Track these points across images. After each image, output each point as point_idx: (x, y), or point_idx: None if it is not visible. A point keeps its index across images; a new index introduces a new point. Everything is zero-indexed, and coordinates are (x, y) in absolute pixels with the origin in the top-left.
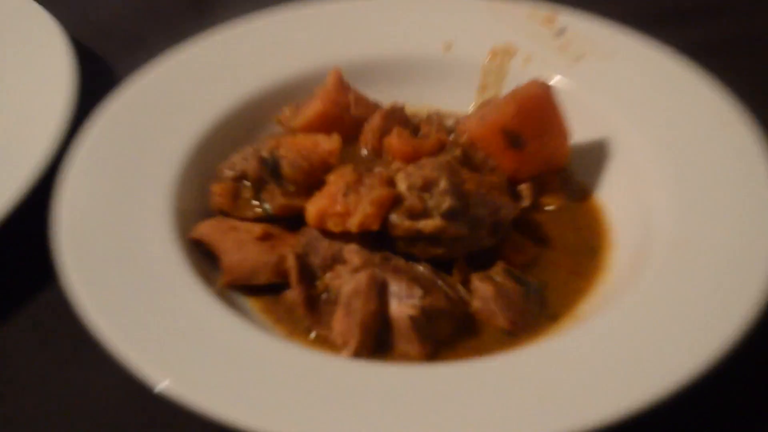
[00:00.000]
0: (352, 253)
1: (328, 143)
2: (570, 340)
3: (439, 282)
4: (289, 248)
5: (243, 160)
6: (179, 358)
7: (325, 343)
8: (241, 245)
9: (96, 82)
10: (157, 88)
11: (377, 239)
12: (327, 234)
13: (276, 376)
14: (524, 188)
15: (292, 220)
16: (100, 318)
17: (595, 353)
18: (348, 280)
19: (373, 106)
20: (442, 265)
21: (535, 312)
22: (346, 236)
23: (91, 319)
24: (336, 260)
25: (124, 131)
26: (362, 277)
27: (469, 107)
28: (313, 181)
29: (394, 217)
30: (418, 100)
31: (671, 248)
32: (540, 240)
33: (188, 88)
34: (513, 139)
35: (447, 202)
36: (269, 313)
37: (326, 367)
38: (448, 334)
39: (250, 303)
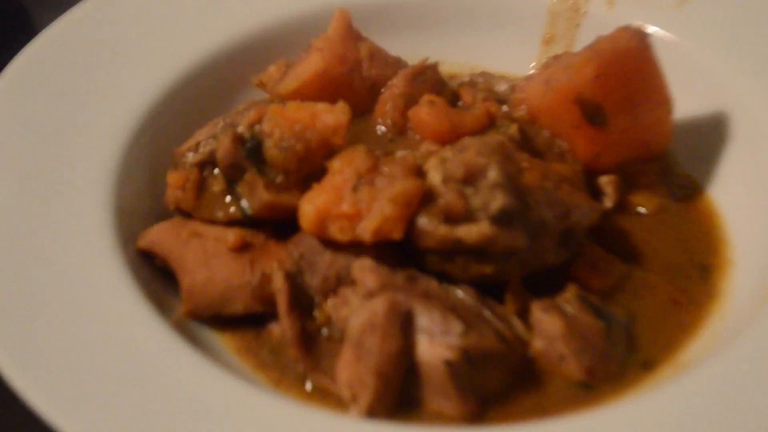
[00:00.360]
0: (365, 271)
1: (331, 116)
2: (669, 397)
3: (487, 313)
4: (275, 264)
5: (211, 140)
6: (119, 425)
7: (326, 396)
8: (209, 259)
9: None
10: (86, 37)
11: (400, 252)
12: (329, 244)
13: None
14: (607, 182)
15: (279, 225)
16: (12, 370)
17: (703, 417)
18: (358, 310)
19: (395, 64)
20: (490, 290)
21: (621, 356)
22: (356, 248)
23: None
24: (342, 281)
25: (42, 99)
26: (379, 306)
27: (530, 67)
28: (310, 169)
29: (425, 221)
30: (458, 56)
31: None
32: (629, 255)
33: (131, 35)
34: (592, 111)
35: (498, 201)
36: (248, 355)
37: (328, 431)
38: (499, 387)
39: (221, 340)
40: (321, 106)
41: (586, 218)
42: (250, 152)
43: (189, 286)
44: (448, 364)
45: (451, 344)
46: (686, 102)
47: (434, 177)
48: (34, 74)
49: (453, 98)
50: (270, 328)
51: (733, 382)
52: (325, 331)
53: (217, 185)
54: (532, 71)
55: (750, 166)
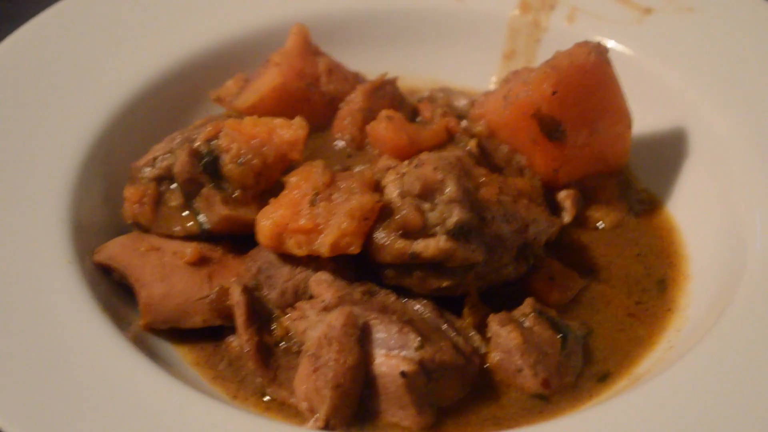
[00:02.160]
0: (323, 285)
1: (288, 131)
2: (624, 408)
3: (444, 326)
4: (233, 278)
5: (168, 154)
6: None
7: (284, 409)
8: (166, 273)
9: None
10: (41, 53)
11: (358, 266)
12: (287, 259)
13: None
14: (566, 197)
15: (237, 239)
16: None
17: (657, 428)
18: (316, 323)
19: (353, 79)
20: (448, 304)
21: (577, 369)
22: (313, 262)
23: None
24: (299, 295)
25: None
26: (336, 319)
27: (490, 82)
28: (267, 184)
29: (382, 236)
30: (418, 71)
31: None
32: (587, 269)
33: (88, 50)
34: (551, 127)
35: (455, 216)
36: (205, 368)
37: None
38: (456, 399)
39: (179, 353)
40: (278, 121)
41: (544, 232)
42: (207, 167)
43: (147, 299)
44: (405, 376)
45: (408, 357)
46: (645, 117)
47: (392, 192)
48: None
49: (412, 113)
50: (228, 341)
51: (687, 395)
52: (283, 344)
53: (174, 200)
54: (492, 86)
55: (708, 182)
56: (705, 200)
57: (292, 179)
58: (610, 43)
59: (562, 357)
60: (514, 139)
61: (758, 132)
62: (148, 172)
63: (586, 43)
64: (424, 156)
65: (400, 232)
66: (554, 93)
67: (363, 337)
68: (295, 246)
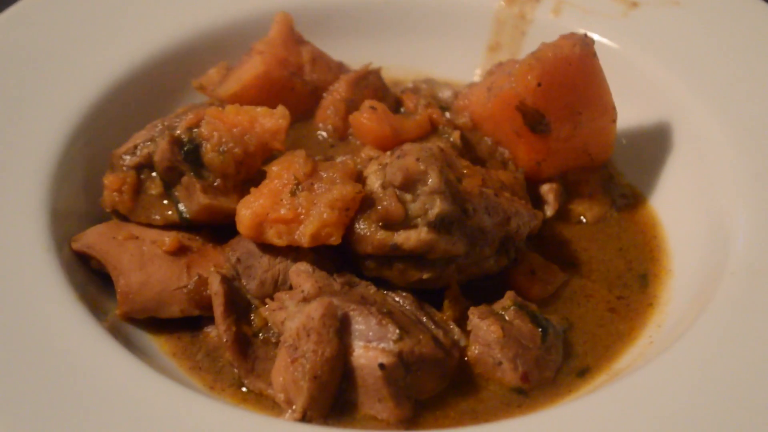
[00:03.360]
0: (302, 275)
1: (270, 120)
2: (602, 403)
3: (424, 319)
4: (212, 268)
5: (148, 142)
6: (49, 428)
7: (260, 400)
8: (145, 262)
9: None
10: (22, 38)
11: (338, 257)
12: (267, 249)
13: None
14: (549, 190)
15: (217, 229)
16: None
17: (636, 425)
18: (295, 314)
19: (337, 69)
20: (428, 296)
21: (557, 364)
22: (293, 252)
23: None
24: (279, 285)
25: None
26: (315, 310)
27: (474, 74)
28: (248, 173)
29: (363, 227)
30: (402, 62)
31: (749, 278)
32: (568, 264)
33: (70, 36)
34: (534, 119)
35: (437, 207)
36: (183, 358)
37: None
38: (435, 391)
39: (156, 343)
40: (260, 110)
41: (526, 226)
42: (188, 155)
43: (124, 288)
44: (383, 368)
45: (387, 349)
46: (630, 111)
47: (373, 182)
48: None
49: (395, 104)
50: (206, 331)
51: (666, 390)
52: (261, 335)
53: (154, 188)
54: (476, 78)
55: (691, 177)
56: (688, 195)
57: (274, 168)
58: (595, 37)
59: (542, 351)
60: (498, 132)
61: (742, 127)
62: (128, 160)
63: (571, 35)
64: (406, 147)
65: (382, 223)
66: (539, 85)
67: (342, 329)
68: (275, 236)
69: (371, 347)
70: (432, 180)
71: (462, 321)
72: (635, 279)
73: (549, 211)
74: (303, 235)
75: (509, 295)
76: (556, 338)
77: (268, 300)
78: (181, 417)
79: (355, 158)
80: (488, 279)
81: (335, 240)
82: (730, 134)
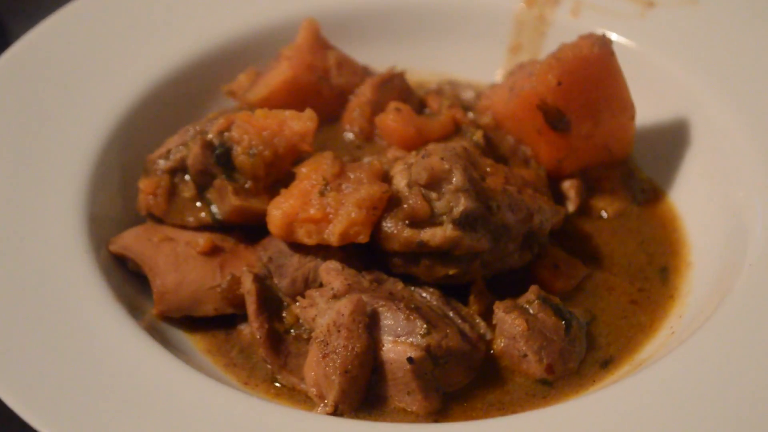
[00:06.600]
0: (332, 273)
1: (299, 123)
2: (626, 393)
3: (451, 313)
4: (244, 267)
5: (181, 147)
6: (91, 425)
7: (293, 395)
8: (180, 263)
9: None
10: (59, 47)
11: (366, 255)
12: (297, 248)
13: None
14: (570, 187)
15: (249, 229)
16: None
17: (658, 413)
18: (325, 311)
19: (362, 72)
20: (455, 291)
21: (581, 355)
22: (323, 251)
23: None
24: (309, 283)
25: (16, 107)
26: (345, 307)
27: (496, 75)
28: (278, 174)
29: (390, 225)
30: (425, 65)
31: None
32: (590, 258)
33: (104, 45)
34: (555, 117)
35: (462, 205)
36: (218, 355)
37: (295, 428)
38: (462, 384)
39: (192, 341)
40: (289, 114)
41: (549, 221)
42: (220, 159)
43: (160, 288)
44: (412, 362)
45: (415, 343)
46: (648, 109)
47: (399, 182)
48: (8, 83)
49: (419, 105)
50: (240, 329)
51: (688, 380)
52: (293, 331)
53: (187, 191)
54: (498, 79)
55: (709, 171)
56: (707, 189)
57: (303, 170)
58: (613, 36)
59: (566, 343)
60: (520, 130)
61: (760, 123)
62: (162, 164)
63: (590, 35)
64: (431, 146)
65: (408, 221)
66: (559, 84)
67: (371, 324)
68: (305, 235)
69: (400, 342)
70: (456, 178)
71: (488, 315)
72: (656, 272)
73: (571, 206)
74: (332, 234)
75: (533, 289)
76: (580, 330)
77: (299, 297)
78: (218, 412)
79: (381, 159)
80: (512, 274)
81: (363, 238)
82: (747, 129)
